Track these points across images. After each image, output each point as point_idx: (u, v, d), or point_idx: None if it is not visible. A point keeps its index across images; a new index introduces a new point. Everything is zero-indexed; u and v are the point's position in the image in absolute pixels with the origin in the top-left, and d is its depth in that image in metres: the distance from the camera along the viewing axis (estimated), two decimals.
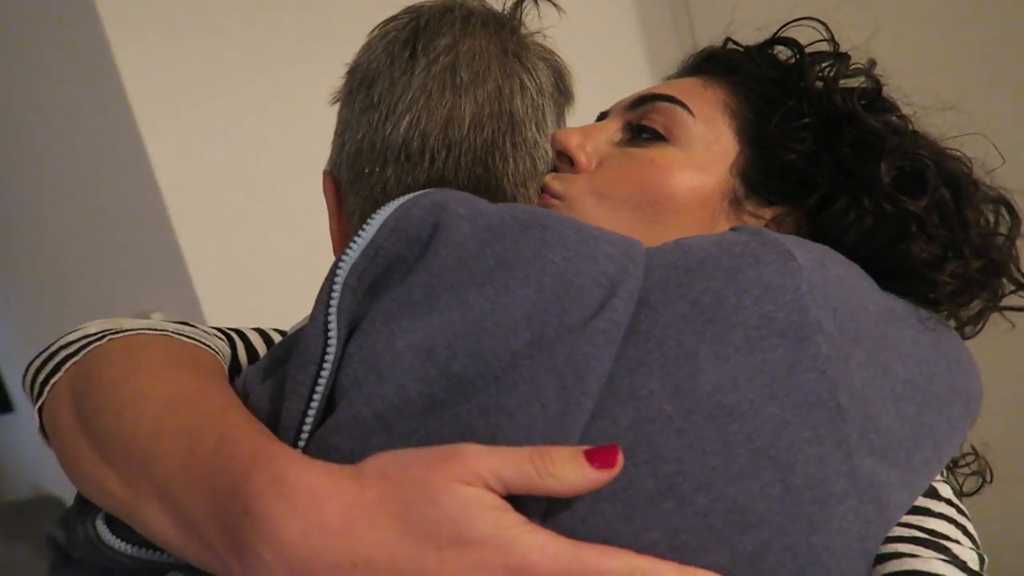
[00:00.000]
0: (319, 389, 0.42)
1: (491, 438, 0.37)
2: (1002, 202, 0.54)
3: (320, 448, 0.40)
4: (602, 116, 0.63)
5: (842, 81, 0.56)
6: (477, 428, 0.38)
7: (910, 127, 0.55)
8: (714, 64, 0.61)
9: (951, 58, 1.51)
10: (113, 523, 0.45)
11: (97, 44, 1.24)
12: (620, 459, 0.37)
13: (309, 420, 0.42)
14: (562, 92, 0.62)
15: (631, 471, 0.38)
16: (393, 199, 0.57)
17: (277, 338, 0.68)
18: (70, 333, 0.54)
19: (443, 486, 0.36)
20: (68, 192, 1.63)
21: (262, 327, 0.68)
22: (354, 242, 0.43)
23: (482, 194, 0.56)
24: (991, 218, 0.54)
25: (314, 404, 0.42)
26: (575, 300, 0.41)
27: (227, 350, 0.60)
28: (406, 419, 0.39)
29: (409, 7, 0.60)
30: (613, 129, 0.59)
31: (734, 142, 0.57)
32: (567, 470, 0.36)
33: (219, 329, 0.63)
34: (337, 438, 0.40)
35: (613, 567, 0.37)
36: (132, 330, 0.53)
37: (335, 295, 0.42)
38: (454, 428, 0.38)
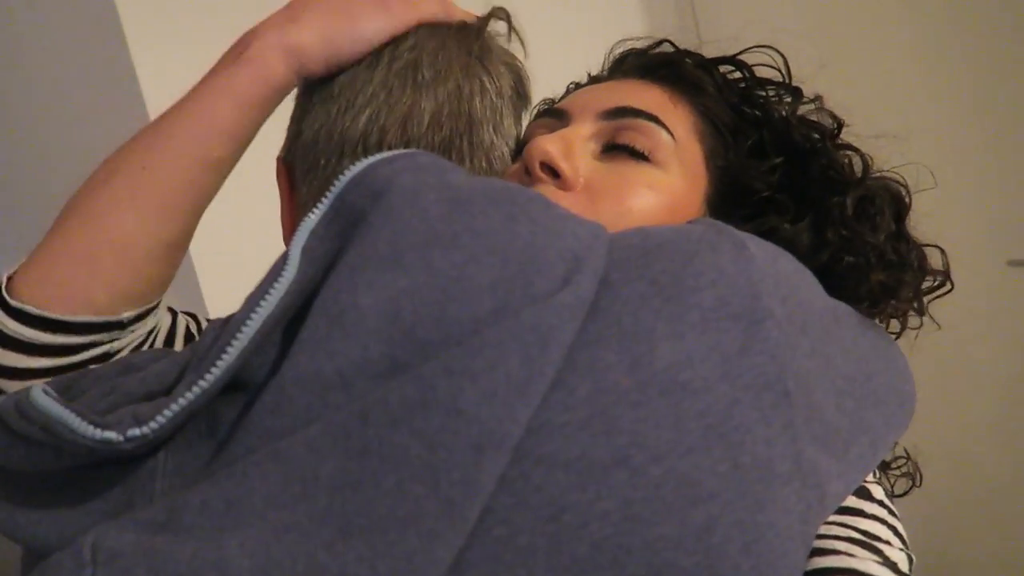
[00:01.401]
0: (269, 297, 0.41)
1: (452, 399, 0.37)
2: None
3: (275, 398, 0.40)
4: (551, 112, 0.63)
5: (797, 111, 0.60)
6: (439, 387, 0.38)
7: (864, 157, 0.58)
8: (677, 77, 0.61)
9: (892, 89, 1.58)
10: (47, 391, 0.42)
11: (116, 47, 1.25)
12: None
13: (254, 316, 0.40)
14: (520, 96, 0.63)
15: (586, 441, 0.39)
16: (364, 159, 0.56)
17: None
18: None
19: None
20: (71, 157, 1.62)
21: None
22: (325, 196, 0.44)
23: None
24: None
25: (260, 309, 0.41)
26: (540, 272, 0.41)
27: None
28: (366, 379, 0.39)
29: None
30: (586, 135, 0.58)
31: (703, 168, 0.58)
32: None
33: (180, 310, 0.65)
34: (294, 390, 0.39)
35: None
36: None
37: (299, 236, 0.43)
38: (416, 387, 0.38)
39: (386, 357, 0.39)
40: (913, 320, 0.59)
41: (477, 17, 0.61)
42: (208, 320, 0.69)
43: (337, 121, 0.57)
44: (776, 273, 0.45)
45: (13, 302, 0.51)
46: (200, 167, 0.54)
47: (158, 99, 1.23)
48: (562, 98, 0.69)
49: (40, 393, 0.40)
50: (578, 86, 0.70)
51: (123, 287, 0.53)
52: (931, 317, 0.58)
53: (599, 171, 0.56)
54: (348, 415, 0.38)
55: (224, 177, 0.56)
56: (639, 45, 0.68)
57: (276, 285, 0.41)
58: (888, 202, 0.57)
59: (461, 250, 0.41)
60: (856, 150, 0.59)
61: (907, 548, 0.48)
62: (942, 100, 1.56)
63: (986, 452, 1.69)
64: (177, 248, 0.56)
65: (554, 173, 0.55)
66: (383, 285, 0.40)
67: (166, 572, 0.36)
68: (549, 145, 0.55)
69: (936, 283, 0.59)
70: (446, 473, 0.37)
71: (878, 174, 0.58)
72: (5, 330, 0.51)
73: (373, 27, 0.55)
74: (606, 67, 0.70)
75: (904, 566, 0.46)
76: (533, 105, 0.71)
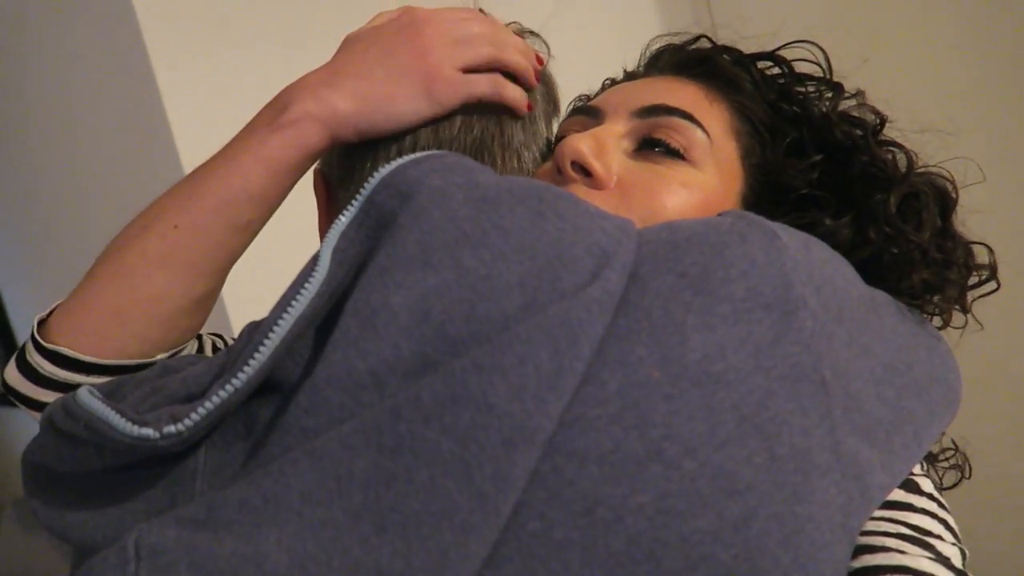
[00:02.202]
0: (300, 298, 0.42)
1: (482, 395, 0.38)
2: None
3: (309, 398, 0.40)
4: (584, 111, 0.62)
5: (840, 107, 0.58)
6: (470, 383, 0.38)
7: (909, 154, 0.57)
8: (712, 74, 0.61)
9: (937, 84, 1.54)
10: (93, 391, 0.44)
11: (130, 35, 1.27)
12: None
13: (281, 323, 0.41)
14: (550, 103, 0.64)
15: (619, 435, 0.38)
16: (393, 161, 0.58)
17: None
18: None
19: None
20: (84, 142, 1.63)
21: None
22: (356, 199, 0.45)
23: None
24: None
25: (291, 310, 0.41)
26: (568, 267, 0.41)
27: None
28: (398, 377, 0.40)
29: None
30: (619, 133, 0.57)
31: (739, 167, 0.58)
32: None
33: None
34: (329, 390, 0.40)
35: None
36: None
37: (330, 238, 0.44)
38: (446, 383, 0.38)
39: (417, 355, 0.40)
40: (956, 318, 0.57)
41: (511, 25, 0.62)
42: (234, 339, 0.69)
43: None
44: (809, 262, 0.44)
45: (48, 345, 0.53)
46: (231, 230, 0.53)
47: (191, 150, 1.26)
48: (597, 95, 0.68)
49: (86, 393, 0.42)
50: (614, 82, 0.70)
51: (155, 339, 0.54)
52: (974, 316, 0.57)
53: (632, 169, 0.55)
54: (381, 412, 0.38)
55: (254, 236, 0.57)
56: (676, 41, 0.67)
57: (307, 286, 0.42)
58: (933, 198, 0.55)
59: (489, 248, 0.41)
60: (900, 146, 0.57)
61: (959, 542, 0.47)
62: (990, 93, 1.51)
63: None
64: (207, 300, 0.56)
65: (585, 172, 0.54)
66: (413, 284, 0.41)
67: (206, 567, 0.37)
68: (580, 144, 0.54)
69: (982, 280, 0.57)
70: (478, 468, 0.37)
71: (923, 169, 0.57)
72: (41, 370, 0.53)
73: (411, 109, 0.54)
74: (642, 63, 0.69)
75: (957, 561, 0.45)
76: (568, 102, 0.71)
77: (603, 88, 0.70)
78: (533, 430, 0.38)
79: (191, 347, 0.63)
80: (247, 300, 1.32)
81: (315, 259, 0.43)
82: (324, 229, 0.63)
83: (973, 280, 0.56)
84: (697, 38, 0.66)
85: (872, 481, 0.44)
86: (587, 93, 0.72)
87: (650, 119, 0.56)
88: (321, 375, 0.40)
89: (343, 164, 0.60)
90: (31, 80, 1.81)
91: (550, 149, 0.64)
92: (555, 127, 0.65)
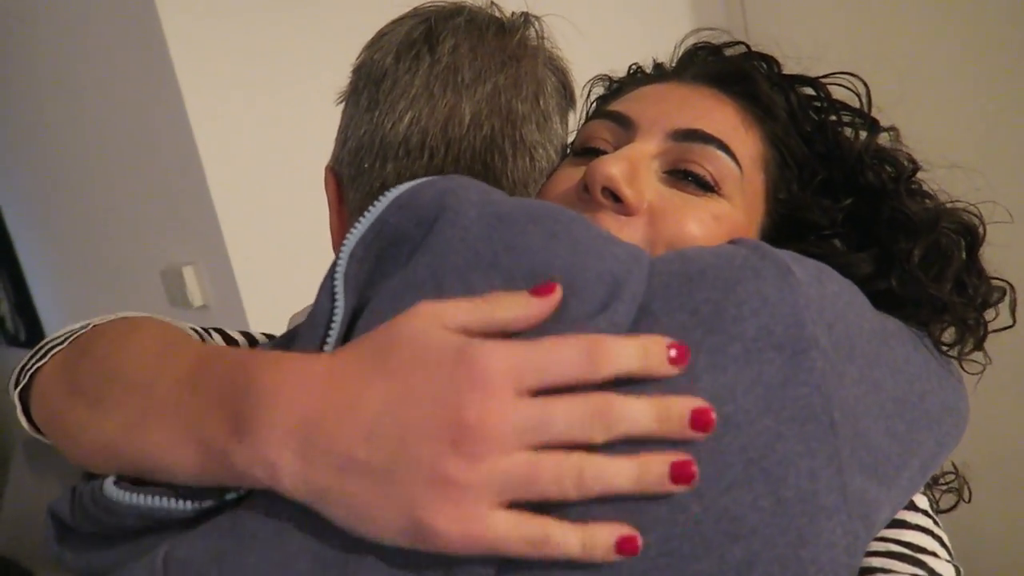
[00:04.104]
0: (326, 348, 0.42)
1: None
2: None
3: None
4: (613, 116, 0.59)
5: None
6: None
7: (939, 203, 0.56)
8: (751, 96, 0.58)
9: (969, 120, 1.50)
10: (119, 482, 0.45)
11: (144, 8, 1.26)
12: (558, 291, 0.40)
13: None
14: (565, 97, 0.62)
15: None
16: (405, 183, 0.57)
17: (263, 340, 0.69)
18: (54, 334, 0.56)
19: (403, 322, 0.39)
20: (105, 143, 1.64)
21: (250, 332, 0.70)
22: (364, 215, 0.44)
23: None
24: None
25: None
26: (578, 295, 0.41)
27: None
28: None
29: (418, 8, 0.61)
30: (652, 153, 0.55)
31: (763, 200, 0.56)
32: (514, 304, 0.39)
33: (194, 328, 0.64)
34: None
35: (565, 354, 0.38)
36: (114, 317, 0.55)
37: (341, 262, 0.44)
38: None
39: None
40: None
41: (513, 14, 0.61)
42: (242, 334, 0.69)
43: (380, 126, 0.57)
44: (822, 297, 0.44)
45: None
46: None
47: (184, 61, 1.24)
48: (622, 87, 0.66)
49: (118, 491, 0.44)
50: (641, 71, 0.67)
51: None
52: (984, 352, 0.56)
53: (664, 196, 0.53)
54: None
55: None
56: (713, 40, 0.65)
57: (331, 334, 0.42)
58: (960, 237, 0.54)
59: (500, 271, 0.41)
60: (931, 196, 0.56)
61: (953, 559, 0.47)
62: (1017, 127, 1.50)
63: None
64: None
65: (615, 197, 0.52)
66: None
67: (234, 574, 0.38)
68: (613, 169, 0.51)
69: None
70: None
71: (950, 204, 0.56)
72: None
73: (390, 539, 0.38)
74: (675, 58, 0.66)
75: None
76: (588, 80, 0.69)
77: (631, 77, 0.68)
78: None
79: None
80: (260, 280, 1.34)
81: (332, 295, 0.43)
82: (335, 226, 0.63)
83: (990, 316, 0.56)
84: (736, 43, 0.63)
85: (878, 517, 0.44)
86: (608, 74, 0.70)
87: (685, 144, 0.54)
88: None
89: (352, 162, 0.59)
90: (43, 76, 1.80)
91: (565, 150, 0.63)
92: (571, 121, 0.64)
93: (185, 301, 1.45)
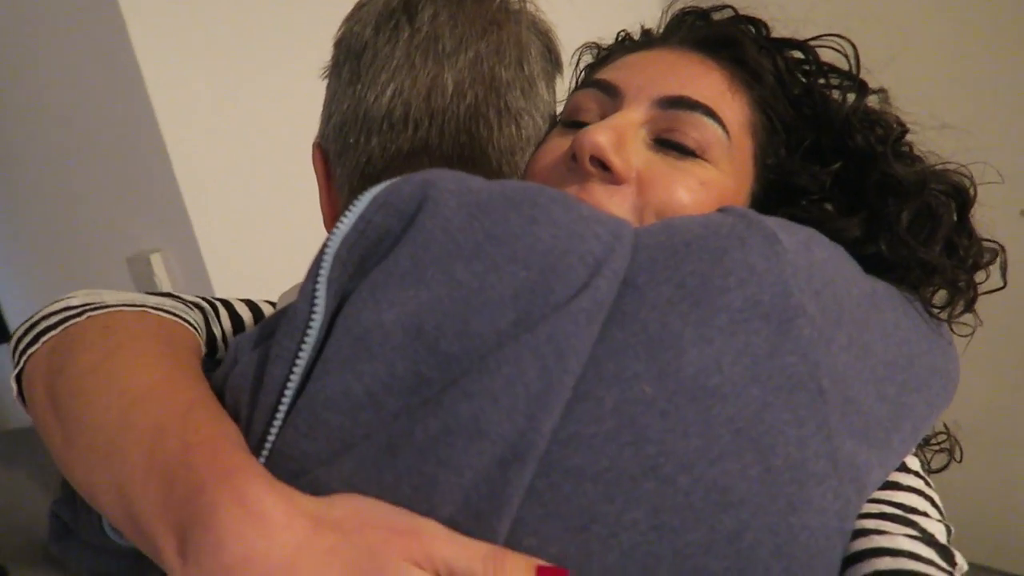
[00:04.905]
0: (302, 355, 0.42)
1: (474, 422, 0.38)
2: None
3: (308, 421, 0.41)
4: (599, 85, 0.58)
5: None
6: (461, 412, 0.38)
7: (927, 165, 0.55)
8: (738, 61, 0.57)
9: (959, 81, 1.49)
10: None
11: (115, 31, 1.23)
12: None
13: (291, 386, 0.42)
14: (551, 62, 0.61)
15: (614, 452, 0.39)
16: (379, 167, 0.55)
17: (267, 309, 0.68)
18: (52, 304, 0.54)
19: (394, 562, 0.36)
20: (69, 129, 1.61)
21: (252, 299, 0.69)
22: (345, 215, 0.44)
23: (466, 162, 0.56)
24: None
25: (296, 370, 0.42)
26: (561, 278, 0.41)
27: (203, 323, 0.60)
28: (395, 396, 0.40)
29: None
30: (639, 122, 0.54)
31: (752, 165, 0.56)
32: None
33: (203, 299, 0.63)
34: (327, 413, 0.40)
35: None
36: (113, 306, 0.53)
37: (324, 265, 0.43)
38: (438, 417, 0.38)
39: (412, 373, 0.40)
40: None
41: None
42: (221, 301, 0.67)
43: (362, 100, 0.56)
44: (810, 264, 0.44)
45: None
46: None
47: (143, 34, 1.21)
48: (610, 54, 0.65)
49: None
50: (629, 38, 0.66)
51: None
52: (975, 314, 0.56)
53: (652, 163, 0.53)
54: (377, 450, 0.39)
55: None
56: (701, 5, 0.64)
57: (305, 343, 0.42)
58: (950, 198, 0.54)
59: (482, 260, 0.41)
60: (919, 159, 0.56)
61: (944, 518, 0.48)
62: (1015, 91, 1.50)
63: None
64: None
65: (604, 166, 0.52)
66: (406, 301, 0.41)
67: None
68: (600, 137, 0.51)
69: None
70: (474, 490, 0.38)
71: (940, 167, 0.55)
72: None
73: None
74: (662, 24, 0.66)
75: (942, 537, 0.46)
76: (576, 49, 0.68)
77: (619, 43, 0.67)
78: (526, 449, 0.38)
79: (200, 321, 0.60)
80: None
81: (311, 297, 0.42)
82: (324, 202, 0.62)
83: (980, 278, 0.56)
84: (723, 7, 0.62)
85: (869, 481, 0.45)
86: (596, 42, 0.69)
87: (671, 111, 0.54)
88: (319, 398, 0.40)
89: (338, 137, 0.58)
90: (2, 63, 1.76)
91: (554, 118, 0.61)
92: (557, 87, 0.62)
93: (153, 289, 1.42)
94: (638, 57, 0.60)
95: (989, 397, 1.76)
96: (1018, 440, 1.83)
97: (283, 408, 0.42)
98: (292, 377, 0.42)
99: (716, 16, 0.63)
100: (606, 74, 0.59)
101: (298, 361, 0.42)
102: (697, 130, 0.53)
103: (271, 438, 0.42)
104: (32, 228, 2.07)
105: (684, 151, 0.53)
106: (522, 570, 0.37)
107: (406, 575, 0.36)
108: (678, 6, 0.65)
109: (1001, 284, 0.56)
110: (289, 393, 0.42)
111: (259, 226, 1.31)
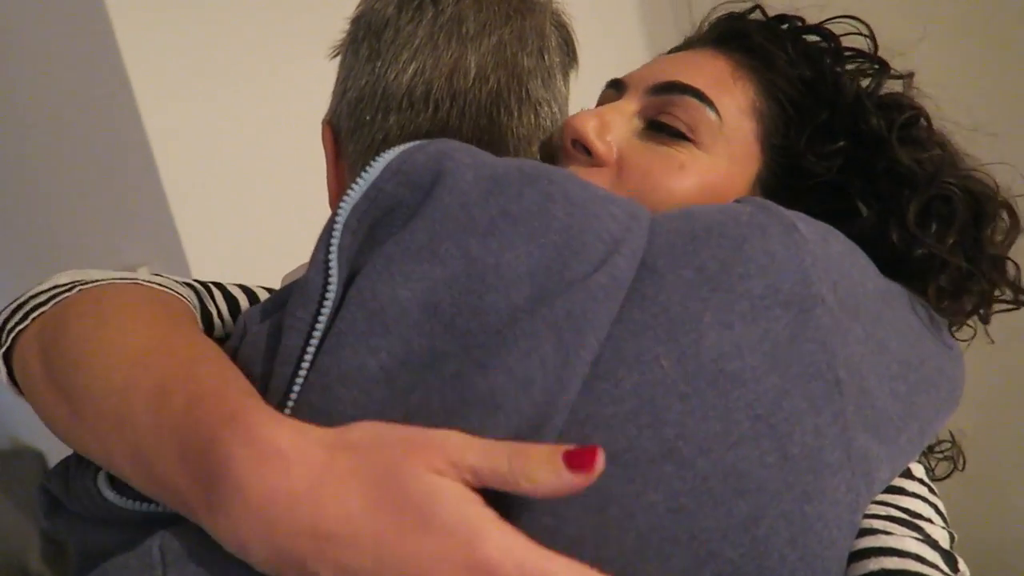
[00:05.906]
0: (319, 326, 0.41)
1: (490, 395, 0.37)
2: (1006, 207, 0.54)
3: (322, 396, 0.40)
4: (613, 84, 0.61)
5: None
6: (477, 385, 0.38)
7: (944, 155, 0.54)
8: (746, 48, 0.58)
9: (990, 78, 1.44)
10: (115, 480, 0.44)
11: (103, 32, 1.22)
12: (600, 461, 0.35)
13: (308, 355, 0.41)
14: (568, 55, 0.61)
15: (633, 433, 0.38)
16: (394, 147, 0.56)
17: (263, 294, 0.67)
18: (40, 284, 0.53)
19: (414, 472, 0.35)
20: (57, 140, 1.60)
21: (247, 284, 0.68)
22: (356, 184, 0.43)
23: (485, 146, 0.54)
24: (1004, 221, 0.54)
25: (313, 341, 0.41)
26: (577, 255, 0.40)
27: (196, 301, 0.58)
28: (409, 372, 0.39)
29: None
30: (631, 111, 0.56)
31: (756, 148, 0.56)
32: (543, 472, 0.35)
33: (197, 281, 0.62)
34: (341, 388, 0.40)
35: None
36: (103, 280, 0.52)
37: (336, 234, 0.42)
38: (454, 388, 0.38)
39: (427, 349, 0.39)
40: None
41: None
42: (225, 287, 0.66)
43: (382, 77, 0.56)
44: (827, 256, 0.44)
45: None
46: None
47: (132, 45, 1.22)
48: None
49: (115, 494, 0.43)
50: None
51: None
52: (986, 332, 0.56)
53: (635, 148, 0.55)
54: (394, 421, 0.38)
55: None
56: (736, 9, 0.64)
57: (323, 311, 0.41)
58: (967, 204, 0.53)
59: (498, 236, 0.41)
60: (936, 144, 0.55)
61: (948, 526, 0.48)
62: None
63: None
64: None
65: (587, 150, 0.54)
66: (421, 277, 0.40)
67: (233, 568, 0.37)
68: (584, 123, 0.54)
69: (1008, 301, 0.55)
70: None
71: (964, 172, 0.54)
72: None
73: None
74: (702, 31, 0.67)
75: (945, 543, 0.46)
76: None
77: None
78: (543, 421, 0.38)
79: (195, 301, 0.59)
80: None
81: (325, 268, 0.41)
82: (332, 181, 0.61)
83: (997, 294, 0.55)
84: (754, 8, 0.63)
85: (878, 476, 0.44)
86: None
87: (661, 97, 0.56)
88: (332, 373, 0.40)
89: (352, 114, 0.57)
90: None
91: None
92: (572, 79, 0.63)
93: None
94: (657, 58, 0.62)
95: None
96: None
97: (300, 378, 0.41)
98: (309, 348, 0.41)
99: (750, 17, 0.63)
100: (623, 75, 0.61)
101: (315, 332, 0.41)
102: (687, 112, 0.55)
103: (287, 411, 0.41)
104: (15, 241, 2.04)
105: (674, 133, 0.54)
106: (548, 459, 0.35)
107: (430, 484, 0.35)
108: (715, 16, 0.66)
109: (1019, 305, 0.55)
110: (306, 363, 0.41)
111: (247, 240, 1.30)
